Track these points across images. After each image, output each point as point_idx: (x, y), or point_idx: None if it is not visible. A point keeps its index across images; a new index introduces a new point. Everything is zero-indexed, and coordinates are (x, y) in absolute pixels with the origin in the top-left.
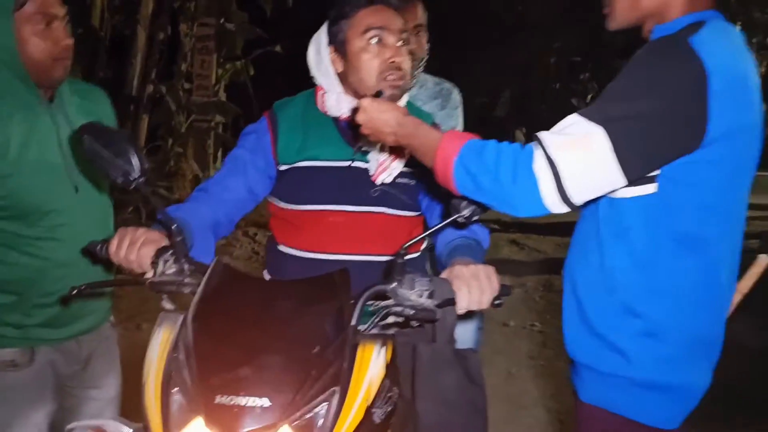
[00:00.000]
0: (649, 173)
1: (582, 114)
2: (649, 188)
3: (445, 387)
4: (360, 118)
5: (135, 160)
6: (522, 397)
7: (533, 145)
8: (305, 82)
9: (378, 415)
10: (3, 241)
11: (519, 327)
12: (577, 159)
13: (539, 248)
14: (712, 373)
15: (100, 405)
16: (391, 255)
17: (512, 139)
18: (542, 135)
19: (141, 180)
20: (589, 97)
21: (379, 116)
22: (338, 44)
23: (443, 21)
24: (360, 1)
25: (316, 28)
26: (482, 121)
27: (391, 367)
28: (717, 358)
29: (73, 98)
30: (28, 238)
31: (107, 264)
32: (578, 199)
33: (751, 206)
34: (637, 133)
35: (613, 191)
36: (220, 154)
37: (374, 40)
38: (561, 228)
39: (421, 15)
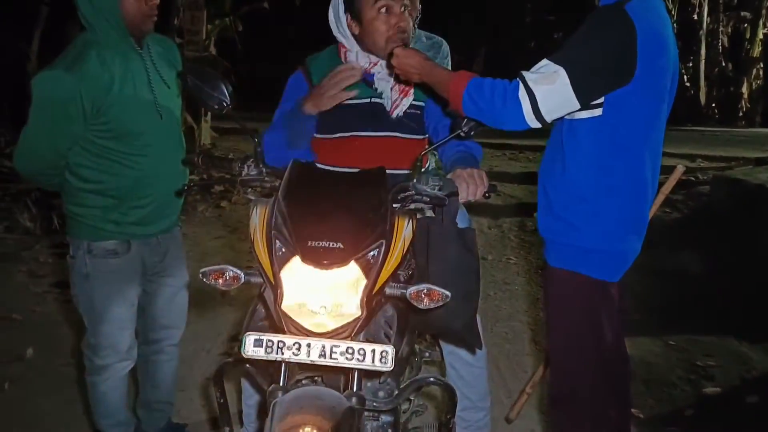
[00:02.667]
0: (595, 100)
1: (549, 58)
2: (597, 112)
3: (450, 254)
4: (394, 62)
5: (225, 92)
6: (498, 312)
7: (517, 80)
8: (288, 37)
9: (403, 276)
10: (107, 155)
11: (496, 260)
12: (547, 89)
13: (513, 194)
14: (641, 244)
15: (173, 290)
16: (403, 169)
17: None
18: (524, 73)
19: (230, 107)
20: None
21: (407, 61)
22: (353, 13)
23: None
24: None
25: None
26: None
27: (412, 245)
28: (643, 233)
29: (154, 46)
30: (126, 153)
31: (186, 174)
32: (548, 118)
33: (704, 157)
34: (587, 71)
35: (571, 114)
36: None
37: (383, 10)
38: (532, 177)
39: None
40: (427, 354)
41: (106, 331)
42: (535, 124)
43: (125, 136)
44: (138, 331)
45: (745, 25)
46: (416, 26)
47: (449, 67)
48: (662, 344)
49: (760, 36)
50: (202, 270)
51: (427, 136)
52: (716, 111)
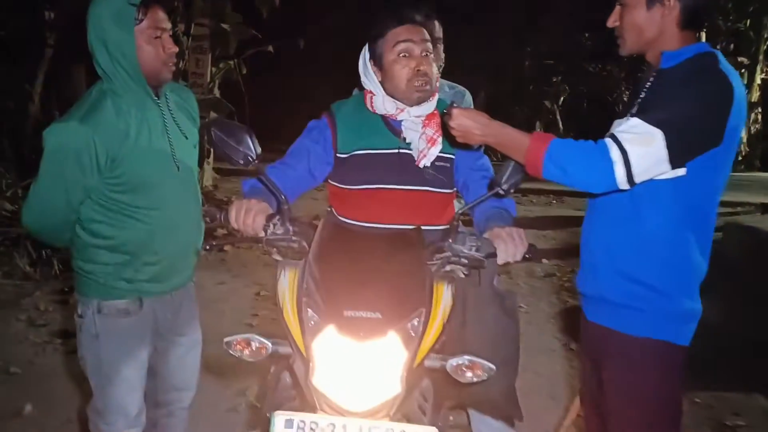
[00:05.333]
0: (686, 163)
1: (641, 118)
2: (681, 172)
3: (488, 319)
4: (452, 122)
5: (252, 147)
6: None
7: (606, 140)
8: (291, 80)
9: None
10: (120, 210)
11: None
12: (642, 151)
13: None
14: None
15: (184, 349)
16: (430, 225)
17: None
18: (616, 133)
19: (256, 161)
20: (561, 99)
21: (466, 121)
22: (376, 58)
23: None
24: (391, 22)
25: (302, 30)
26: None
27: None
28: None
29: (172, 95)
30: (140, 207)
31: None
32: (638, 180)
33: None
34: (685, 134)
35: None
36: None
37: (403, 54)
38: (540, 222)
39: (438, 30)
40: (450, 418)
41: (115, 395)
42: (625, 186)
43: (140, 188)
44: (146, 394)
45: (743, 70)
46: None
47: None
48: (688, 402)
49: (758, 81)
50: (227, 339)
51: (455, 190)
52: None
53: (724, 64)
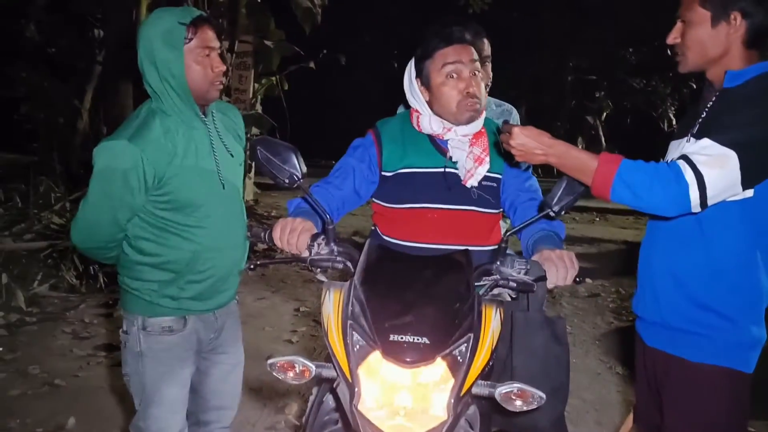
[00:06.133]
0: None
1: (714, 140)
2: (749, 193)
3: (537, 346)
4: (513, 142)
5: (297, 166)
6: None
7: (679, 162)
8: (332, 95)
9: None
10: (166, 227)
11: None
12: (717, 173)
13: None
14: None
15: (227, 368)
16: (476, 245)
17: None
18: (690, 155)
19: (301, 181)
20: (604, 115)
21: (527, 141)
22: (423, 78)
23: None
24: (438, 43)
25: (343, 46)
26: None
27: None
28: None
29: (218, 114)
30: (186, 226)
31: (247, 247)
32: (712, 202)
33: None
34: (759, 156)
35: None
36: (254, 164)
37: (452, 75)
38: (584, 240)
39: (487, 47)
40: None
41: (158, 415)
42: (698, 209)
43: (186, 207)
44: (188, 412)
45: None
46: (486, 93)
47: None
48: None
49: None
50: (270, 361)
51: (501, 210)
52: None
53: None
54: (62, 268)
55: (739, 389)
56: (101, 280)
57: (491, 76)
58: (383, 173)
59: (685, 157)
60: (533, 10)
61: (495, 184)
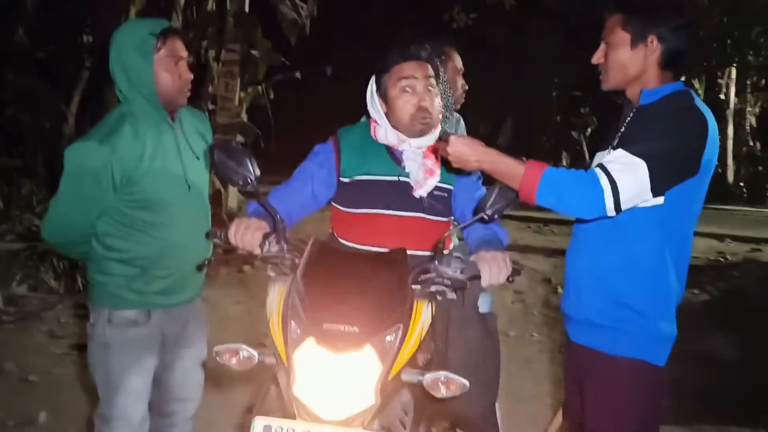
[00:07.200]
0: (665, 192)
1: (627, 150)
2: (659, 200)
3: (470, 339)
4: (449, 149)
5: (252, 169)
6: (520, 392)
7: (596, 170)
8: (317, 105)
9: (420, 360)
10: (133, 225)
11: (519, 337)
12: (627, 180)
13: (537, 269)
14: None
15: (190, 362)
16: (425, 250)
17: None
18: (605, 163)
19: (255, 183)
20: (589, 130)
21: (462, 149)
22: (381, 92)
23: None
24: (395, 58)
25: (329, 57)
26: None
27: (431, 328)
28: None
29: (186, 119)
30: (153, 223)
31: (209, 246)
32: (624, 207)
33: (733, 237)
34: (665, 166)
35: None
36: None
37: (406, 89)
38: (558, 252)
39: (458, 61)
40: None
41: (121, 403)
42: (612, 213)
43: (153, 206)
44: (151, 403)
45: None
46: (450, 105)
47: None
48: None
49: None
50: (216, 348)
51: (452, 218)
52: (744, 190)
53: (699, 102)
54: (41, 270)
55: (650, 380)
56: (79, 283)
57: (466, 88)
58: (341, 179)
59: (601, 166)
60: (520, 26)
61: (446, 194)
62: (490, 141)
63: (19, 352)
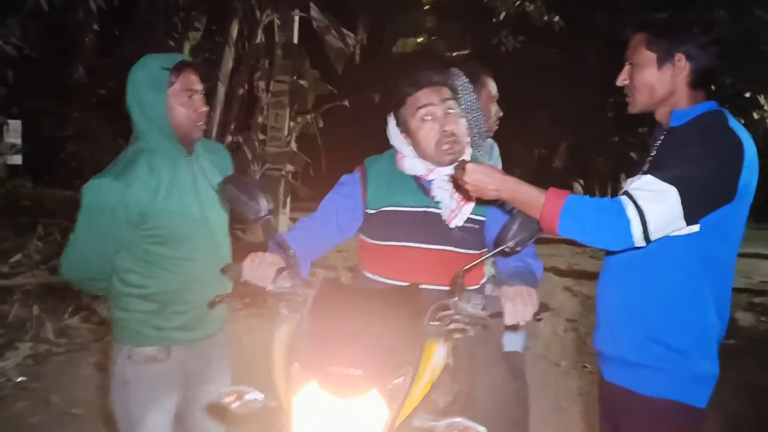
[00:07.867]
0: (700, 219)
1: (655, 176)
2: (694, 228)
3: (496, 381)
4: (466, 177)
5: (264, 203)
6: (571, 428)
7: (621, 198)
8: (366, 134)
9: (442, 402)
10: (152, 260)
11: (570, 368)
12: (657, 209)
13: (592, 295)
14: None
15: (213, 399)
16: None
17: (571, 190)
18: (631, 191)
19: (268, 217)
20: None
21: (480, 177)
22: (402, 125)
23: (503, 76)
24: (408, 88)
25: (376, 85)
26: (540, 172)
27: (454, 368)
28: None
29: (204, 153)
30: (172, 258)
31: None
32: (654, 237)
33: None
34: (699, 191)
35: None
36: (289, 200)
37: (427, 118)
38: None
39: (492, 88)
40: None
41: None
42: (641, 243)
43: (170, 241)
44: None
45: None
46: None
47: (499, 166)
48: None
49: None
50: (222, 390)
51: (483, 251)
52: None
53: (733, 122)
54: (94, 301)
55: (690, 424)
56: None
57: (500, 114)
58: (367, 210)
59: (627, 193)
60: (572, 47)
61: (477, 226)
62: (544, 164)
63: (66, 384)
